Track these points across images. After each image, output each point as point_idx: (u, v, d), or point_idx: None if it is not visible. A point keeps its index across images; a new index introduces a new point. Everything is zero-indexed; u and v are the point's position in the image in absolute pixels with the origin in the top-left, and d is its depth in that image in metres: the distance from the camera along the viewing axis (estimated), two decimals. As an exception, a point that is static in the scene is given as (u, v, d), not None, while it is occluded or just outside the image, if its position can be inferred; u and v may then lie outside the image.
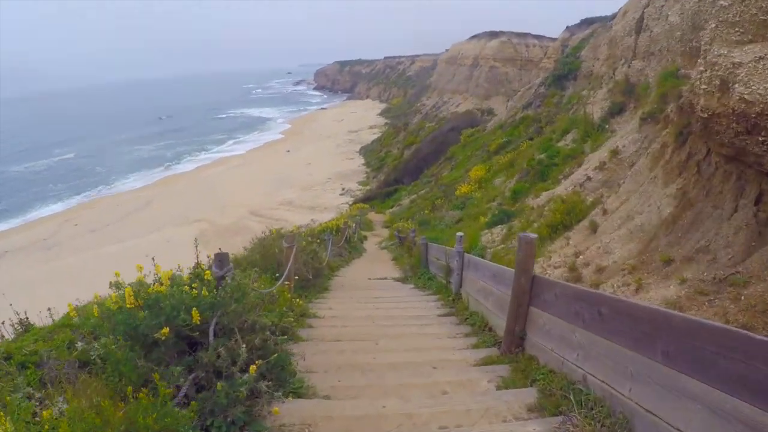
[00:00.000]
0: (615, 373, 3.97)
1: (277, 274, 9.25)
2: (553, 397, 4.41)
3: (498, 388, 4.97)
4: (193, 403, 3.76)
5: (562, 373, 4.71)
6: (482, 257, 10.98)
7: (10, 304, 5.05)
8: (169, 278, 4.47)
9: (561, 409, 4.22)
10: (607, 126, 16.29)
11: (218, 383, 3.79)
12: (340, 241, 19.64)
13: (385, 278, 13.47)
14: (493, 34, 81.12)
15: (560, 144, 17.37)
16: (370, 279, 13.56)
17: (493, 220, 13.60)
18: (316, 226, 25.13)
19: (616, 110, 16.64)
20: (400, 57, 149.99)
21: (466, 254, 9.12)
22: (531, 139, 29.54)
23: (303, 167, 69.88)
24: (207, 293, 4.27)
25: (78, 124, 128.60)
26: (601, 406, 4.00)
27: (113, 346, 3.93)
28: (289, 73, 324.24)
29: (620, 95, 17.06)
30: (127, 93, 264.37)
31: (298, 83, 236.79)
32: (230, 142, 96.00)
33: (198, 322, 4.05)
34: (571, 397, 4.23)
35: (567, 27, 53.73)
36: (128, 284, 4.21)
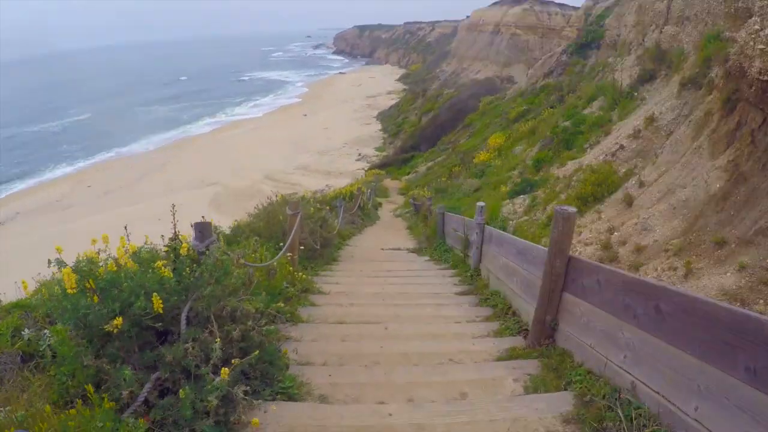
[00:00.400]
0: (676, 385, 3.18)
1: (281, 244, 8.50)
2: (594, 407, 3.63)
3: (526, 389, 4.20)
4: (152, 412, 3.02)
5: (604, 377, 3.92)
6: (504, 230, 10.12)
7: None
8: (133, 254, 3.67)
9: (605, 424, 3.44)
10: (636, 93, 15.20)
11: (182, 389, 3.02)
12: (353, 208, 18.84)
13: (399, 249, 12.66)
14: (516, 1, 78.72)
15: (586, 111, 16.29)
16: (383, 249, 12.76)
17: (515, 189, 12.67)
18: (329, 192, 24.31)
19: (646, 77, 15.54)
20: (420, 23, 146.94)
21: (487, 227, 8.28)
22: (552, 107, 28.40)
23: (320, 132, 69.14)
24: (170, 274, 3.46)
25: (93, 85, 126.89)
26: (657, 425, 3.25)
27: (63, 337, 3.18)
28: (308, 36, 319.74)
29: (650, 62, 15.92)
30: (145, 54, 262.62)
31: (317, 47, 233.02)
32: (247, 104, 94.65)
33: (161, 310, 3.26)
34: (618, 410, 3.45)
35: None
36: (78, 262, 3.38)
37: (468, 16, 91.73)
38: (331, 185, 39.77)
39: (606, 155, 10.80)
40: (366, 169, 51.78)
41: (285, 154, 59.23)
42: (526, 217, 10.73)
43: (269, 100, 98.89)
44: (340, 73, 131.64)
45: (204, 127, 76.22)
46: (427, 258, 11.15)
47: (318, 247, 10.18)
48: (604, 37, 36.51)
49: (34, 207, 44.94)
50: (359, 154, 59.96)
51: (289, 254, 7.76)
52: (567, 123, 15.87)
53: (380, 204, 30.46)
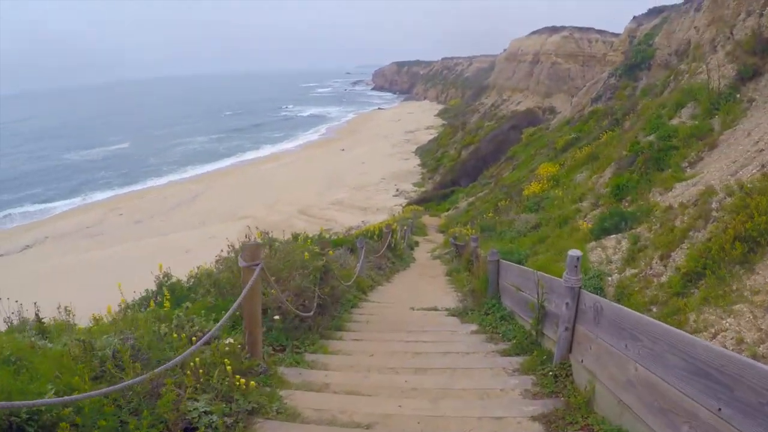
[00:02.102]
0: None
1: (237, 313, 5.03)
2: None
3: None
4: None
5: None
6: (600, 292, 6.40)
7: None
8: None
9: None
10: (737, 95, 11.43)
11: None
12: (381, 249, 15.26)
13: (435, 309, 9.02)
14: (554, 29, 76.14)
15: (674, 122, 12.48)
16: (412, 309, 9.09)
17: (603, 227, 8.87)
18: (356, 231, 20.87)
19: (749, 74, 11.75)
20: (457, 58, 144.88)
21: (587, 294, 4.55)
22: (606, 132, 24.85)
23: (357, 166, 67.03)
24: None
25: (137, 115, 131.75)
26: None
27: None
28: (348, 73, 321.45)
29: (749, 56, 12.14)
30: (192, 87, 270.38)
31: (356, 83, 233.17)
32: (285, 138, 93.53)
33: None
34: None
35: (634, 17, 48.77)
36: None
37: (505, 50, 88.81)
38: (367, 221, 37.19)
39: (761, 166, 6.91)
40: (403, 204, 49.18)
41: (320, 188, 57.26)
42: (631, 270, 6.92)
43: (307, 134, 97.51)
44: (379, 108, 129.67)
45: (241, 160, 75.48)
46: (474, 327, 7.41)
47: (310, 313, 6.58)
48: (654, 57, 35.19)
49: (64, 232, 44.80)
50: (397, 190, 57.38)
51: (230, 341, 4.17)
52: (650, 138, 12.04)
53: (417, 243, 26.97)
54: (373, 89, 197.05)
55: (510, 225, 14.27)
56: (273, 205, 50.26)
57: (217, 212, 48.09)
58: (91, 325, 5.04)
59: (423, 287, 12.37)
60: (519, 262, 8.67)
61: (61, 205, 55.02)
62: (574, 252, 4.66)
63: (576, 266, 4.60)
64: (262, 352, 5.10)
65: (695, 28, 21.44)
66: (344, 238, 14.69)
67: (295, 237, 10.24)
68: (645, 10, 47.32)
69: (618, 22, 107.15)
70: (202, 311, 5.57)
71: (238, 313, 5.08)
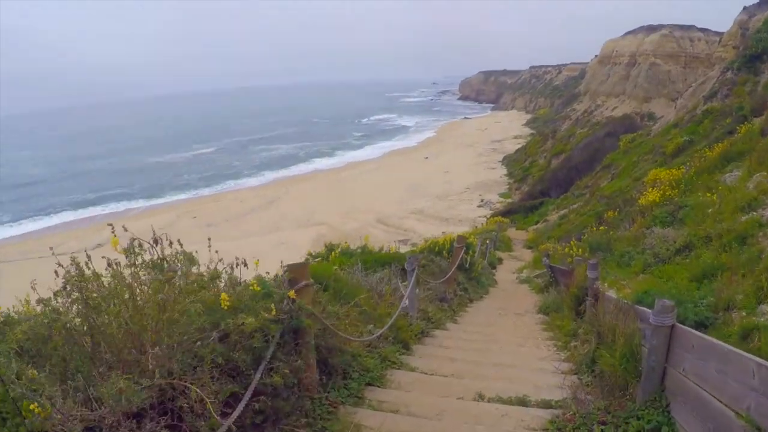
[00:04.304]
0: None
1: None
2: None
3: None
4: None
5: None
6: None
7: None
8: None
9: None
10: None
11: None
12: (449, 272, 10.88)
13: (523, 402, 4.62)
14: (652, 28, 69.13)
15: None
16: (480, 400, 4.73)
17: None
18: (421, 244, 16.68)
19: None
20: (546, 66, 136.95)
21: None
22: (730, 132, 20.23)
23: (440, 175, 63.50)
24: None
25: (228, 123, 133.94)
26: None
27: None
28: (434, 83, 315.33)
29: None
30: (278, 95, 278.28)
31: (442, 93, 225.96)
32: (369, 146, 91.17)
33: None
34: None
35: (744, 8, 42.80)
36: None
37: (596, 56, 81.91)
38: (447, 232, 33.44)
39: None
40: (488, 216, 45.27)
41: (401, 197, 54.27)
42: None
43: (391, 142, 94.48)
44: (465, 118, 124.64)
45: (322, 166, 73.82)
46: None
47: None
48: None
49: (138, 232, 41.98)
50: (481, 200, 53.55)
51: None
52: None
53: (500, 260, 22.47)
54: (459, 99, 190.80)
55: (636, 244, 9.51)
56: (350, 213, 47.96)
57: (292, 218, 46.60)
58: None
59: (502, 337, 7.85)
60: (700, 327, 4.26)
61: (141, 205, 55.79)
62: None
63: None
64: None
65: None
66: (391, 254, 10.38)
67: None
68: (756, 0, 41.95)
69: (715, 21, 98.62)
70: None
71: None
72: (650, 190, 15.91)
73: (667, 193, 14.70)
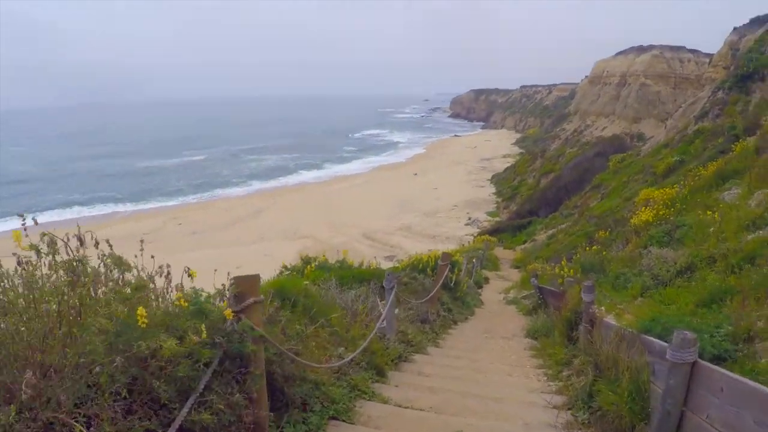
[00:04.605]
0: None
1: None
2: None
3: None
4: None
5: None
6: None
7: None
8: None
9: None
10: None
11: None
12: (432, 291, 10.21)
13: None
14: (642, 49, 69.52)
15: None
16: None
17: None
18: (403, 261, 16.05)
19: None
20: (536, 86, 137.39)
21: None
22: (723, 152, 20.10)
23: (429, 192, 62.90)
24: None
25: (220, 132, 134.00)
26: None
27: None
28: (426, 100, 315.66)
29: None
30: (272, 106, 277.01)
31: (433, 110, 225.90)
32: (358, 160, 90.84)
33: None
34: None
35: (735, 28, 43.59)
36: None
37: (587, 76, 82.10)
38: (434, 250, 32.88)
39: None
40: (475, 234, 44.51)
41: (389, 212, 53.66)
42: None
43: (381, 158, 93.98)
44: (455, 135, 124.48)
45: (310, 179, 73.30)
46: None
47: None
48: None
49: (122, 236, 42.72)
50: (469, 218, 52.86)
51: None
52: None
53: (487, 280, 21.81)
54: (450, 116, 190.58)
55: (631, 265, 8.90)
56: (337, 227, 47.38)
57: (278, 229, 45.87)
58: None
59: (488, 365, 7.18)
60: (719, 361, 3.62)
61: (129, 209, 55.32)
62: None
63: None
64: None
65: None
66: (371, 270, 9.69)
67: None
68: (746, 21, 42.56)
69: (704, 43, 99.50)
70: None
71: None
72: (643, 209, 15.41)
73: (661, 213, 14.18)
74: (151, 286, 3.13)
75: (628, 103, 65.96)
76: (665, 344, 3.26)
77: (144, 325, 2.58)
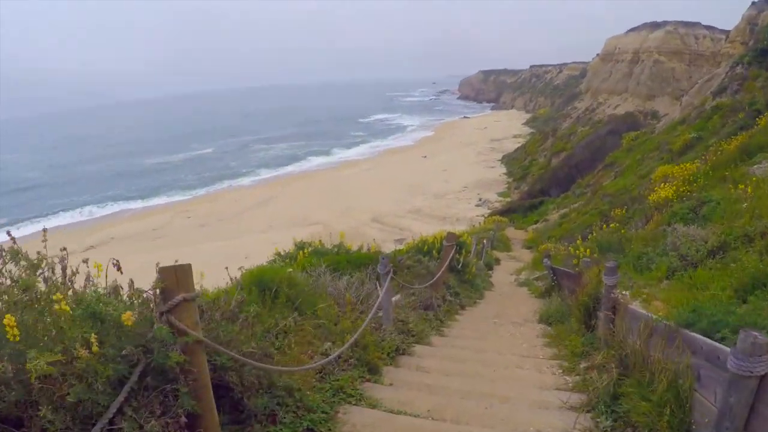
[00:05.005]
0: None
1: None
2: None
3: None
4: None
5: None
6: None
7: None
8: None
9: None
10: None
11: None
12: (438, 272, 9.46)
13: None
14: (656, 25, 67.89)
15: None
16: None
17: None
18: (406, 244, 15.40)
19: None
20: (546, 66, 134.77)
21: None
22: (743, 128, 19.25)
23: (438, 174, 62.36)
24: None
25: (227, 124, 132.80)
26: None
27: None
28: (434, 83, 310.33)
29: None
30: (278, 96, 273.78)
31: (442, 92, 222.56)
32: (367, 145, 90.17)
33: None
34: None
35: (753, 3, 42.63)
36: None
37: (597, 54, 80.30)
38: (441, 231, 32.30)
39: None
40: (486, 215, 44.15)
41: (398, 196, 53.19)
42: None
43: (389, 141, 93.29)
44: (465, 117, 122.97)
45: (319, 165, 72.86)
46: None
47: None
48: None
49: (132, 233, 44.44)
50: (480, 199, 52.32)
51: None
52: None
53: (498, 261, 21.07)
54: (459, 98, 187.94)
55: (654, 244, 8.12)
56: (346, 212, 47.10)
57: (287, 217, 45.75)
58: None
59: (497, 357, 6.44)
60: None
61: (139, 206, 55.56)
62: None
63: None
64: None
65: None
66: (370, 254, 8.91)
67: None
68: None
69: (719, 20, 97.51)
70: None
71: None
72: (662, 185, 14.60)
73: (681, 189, 13.36)
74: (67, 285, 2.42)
75: (641, 80, 64.47)
76: (717, 345, 2.52)
77: (14, 339, 1.87)
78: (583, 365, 5.70)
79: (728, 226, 6.97)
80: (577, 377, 5.42)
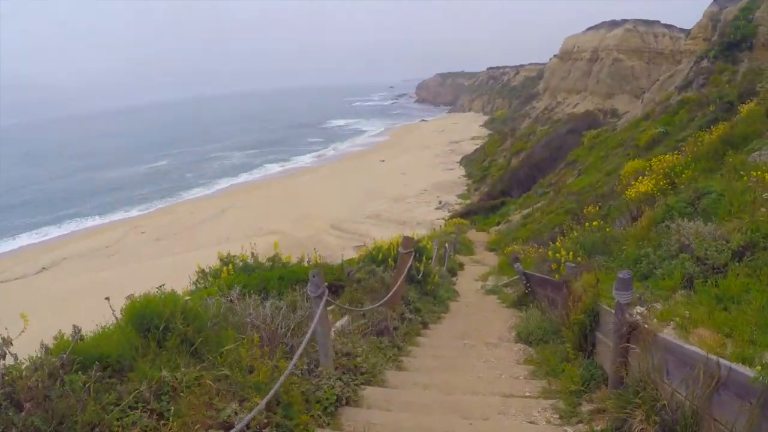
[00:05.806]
0: None
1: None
2: None
3: None
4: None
5: None
6: None
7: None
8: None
9: None
10: None
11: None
12: (394, 286, 7.93)
13: None
14: (615, 23, 68.82)
15: None
16: None
17: None
18: (358, 253, 13.86)
19: None
20: (504, 67, 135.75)
21: None
22: (714, 121, 19.22)
23: (397, 177, 62.26)
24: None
25: (180, 135, 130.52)
26: None
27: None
28: (391, 87, 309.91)
29: None
30: (232, 104, 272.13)
31: (400, 96, 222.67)
32: (323, 150, 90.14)
33: None
34: None
35: (715, 0, 42.63)
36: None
37: (555, 55, 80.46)
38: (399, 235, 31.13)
39: None
40: (446, 218, 43.86)
41: (356, 201, 52.87)
42: None
43: (346, 146, 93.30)
44: (422, 120, 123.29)
45: (275, 173, 72.36)
46: None
47: None
48: (756, 34, 30.82)
49: (85, 251, 43.41)
50: (440, 202, 52.10)
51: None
52: None
53: (461, 266, 19.76)
54: (416, 102, 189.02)
55: (653, 245, 6.75)
56: (303, 219, 46.30)
57: (244, 228, 44.46)
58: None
59: (470, 405, 4.73)
60: None
61: (97, 222, 54.63)
62: None
63: None
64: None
65: None
66: (306, 267, 7.34)
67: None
68: None
69: (677, 19, 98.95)
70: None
71: None
72: (640, 180, 13.51)
73: (662, 183, 12.24)
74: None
75: (600, 78, 64.89)
76: None
77: None
78: (585, 407, 4.29)
79: (751, 221, 5.64)
80: (581, 426, 4.00)
